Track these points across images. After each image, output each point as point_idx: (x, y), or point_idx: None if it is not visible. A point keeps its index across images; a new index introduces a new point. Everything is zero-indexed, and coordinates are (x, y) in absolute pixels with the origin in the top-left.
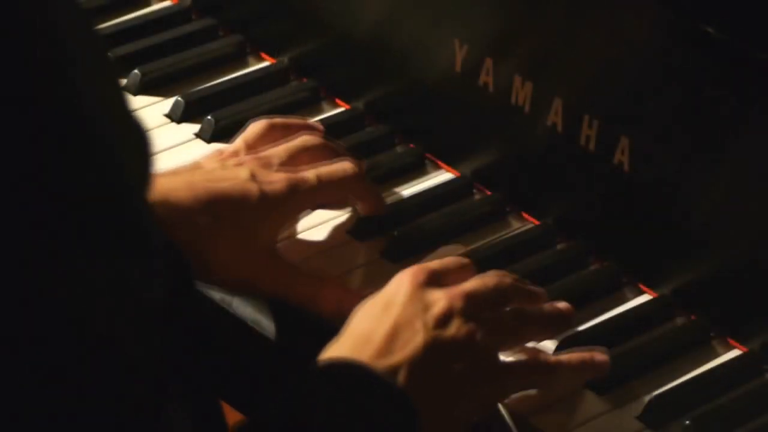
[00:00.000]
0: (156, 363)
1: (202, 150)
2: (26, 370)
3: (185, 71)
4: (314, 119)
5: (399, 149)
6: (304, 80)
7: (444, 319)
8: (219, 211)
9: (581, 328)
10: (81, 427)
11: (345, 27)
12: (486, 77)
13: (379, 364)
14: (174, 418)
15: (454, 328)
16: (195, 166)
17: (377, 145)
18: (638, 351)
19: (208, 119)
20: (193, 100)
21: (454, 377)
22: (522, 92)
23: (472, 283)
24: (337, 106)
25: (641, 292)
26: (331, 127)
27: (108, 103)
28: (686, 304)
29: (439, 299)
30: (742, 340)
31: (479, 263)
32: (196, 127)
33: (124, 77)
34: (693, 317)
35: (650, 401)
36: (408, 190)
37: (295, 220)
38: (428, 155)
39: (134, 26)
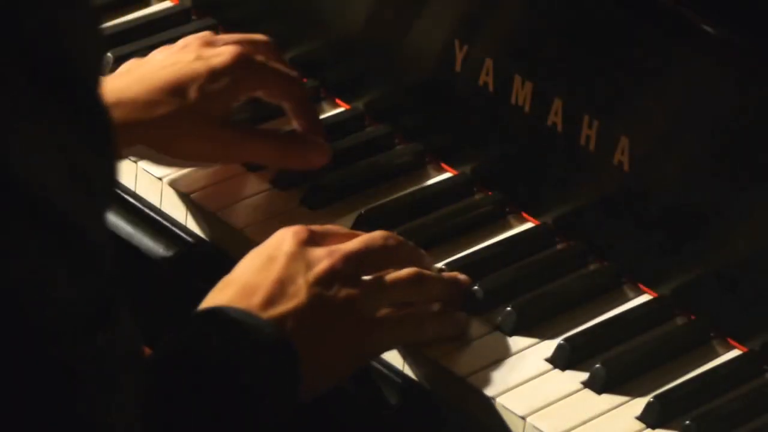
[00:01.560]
0: (107, 249)
1: None
2: None
3: None
4: None
5: (399, 149)
6: (304, 80)
7: (325, 279)
8: (173, 97)
9: (581, 328)
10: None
11: (345, 27)
12: (486, 77)
13: (263, 314)
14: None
15: (335, 289)
16: (142, 62)
17: (377, 145)
18: (638, 351)
19: None
20: None
21: (334, 333)
22: (522, 92)
23: (354, 244)
24: (337, 106)
25: (641, 292)
26: (331, 127)
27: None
28: (686, 304)
29: (321, 258)
30: (742, 340)
31: (479, 263)
32: None
33: None
34: (693, 317)
35: (650, 401)
36: (408, 190)
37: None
38: (428, 155)
39: (134, 26)
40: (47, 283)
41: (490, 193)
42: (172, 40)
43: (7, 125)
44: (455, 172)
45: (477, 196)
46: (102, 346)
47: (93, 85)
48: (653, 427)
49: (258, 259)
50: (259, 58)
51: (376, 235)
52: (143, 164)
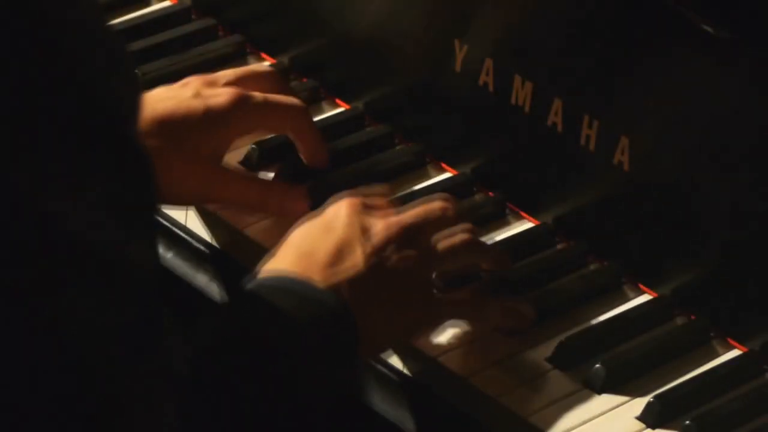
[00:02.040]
0: (155, 279)
1: None
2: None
3: (185, 71)
4: (314, 119)
5: (399, 149)
6: (304, 80)
7: (382, 246)
8: (166, 131)
9: (581, 327)
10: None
11: (345, 27)
12: (486, 77)
13: (320, 279)
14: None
15: (392, 255)
16: (144, 95)
17: (377, 145)
18: (638, 351)
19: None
20: None
21: (391, 300)
22: (522, 92)
23: (412, 214)
24: (337, 106)
25: (641, 292)
26: (331, 127)
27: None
28: (686, 304)
29: (378, 226)
30: (742, 340)
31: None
32: None
33: None
34: (693, 317)
35: (650, 401)
36: (408, 190)
37: (243, 137)
38: (428, 155)
39: (134, 26)
40: (97, 316)
41: (490, 193)
42: (172, 40)
43: (55, 172)
44: (455, 172)
45: (477, 196)
46: (147, 370)
47: (133, 128)
48: (653, 427)
49: (315, 227)
50: (257, 98)
51: (435, 206)
52: None
